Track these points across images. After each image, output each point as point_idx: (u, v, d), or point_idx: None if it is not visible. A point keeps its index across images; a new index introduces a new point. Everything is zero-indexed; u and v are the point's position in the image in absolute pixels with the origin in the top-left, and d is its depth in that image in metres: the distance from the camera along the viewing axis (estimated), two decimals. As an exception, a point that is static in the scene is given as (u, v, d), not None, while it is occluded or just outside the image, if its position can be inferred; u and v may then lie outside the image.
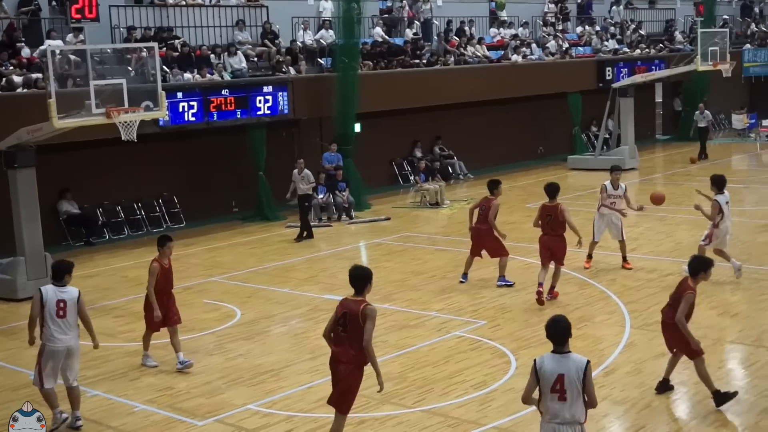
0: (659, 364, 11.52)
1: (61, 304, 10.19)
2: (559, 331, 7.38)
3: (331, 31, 26.69)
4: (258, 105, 22.95)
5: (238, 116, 22.64)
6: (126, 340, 13.61)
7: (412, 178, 27.26)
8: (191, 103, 21.64)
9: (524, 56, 31.77)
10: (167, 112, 18.94)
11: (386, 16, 30.09)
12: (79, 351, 10.46)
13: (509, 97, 30.42)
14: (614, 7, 39.03)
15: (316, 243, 20.58)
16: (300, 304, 15.51)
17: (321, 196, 23.14)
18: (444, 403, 10.60)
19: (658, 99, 39.29)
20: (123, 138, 15.98)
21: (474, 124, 30.42)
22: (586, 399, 7.36)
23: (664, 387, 10.71)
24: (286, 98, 23.45)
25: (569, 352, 7.39)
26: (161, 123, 20.42)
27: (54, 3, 22.79)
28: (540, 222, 14.80)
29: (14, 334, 14.12)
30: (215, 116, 22.16)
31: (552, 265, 14.67)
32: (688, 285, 10.09)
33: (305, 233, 20.93)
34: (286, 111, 23.55)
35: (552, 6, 36.70)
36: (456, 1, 33.17)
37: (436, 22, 31.15)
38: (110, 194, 22.37)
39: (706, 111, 32.09)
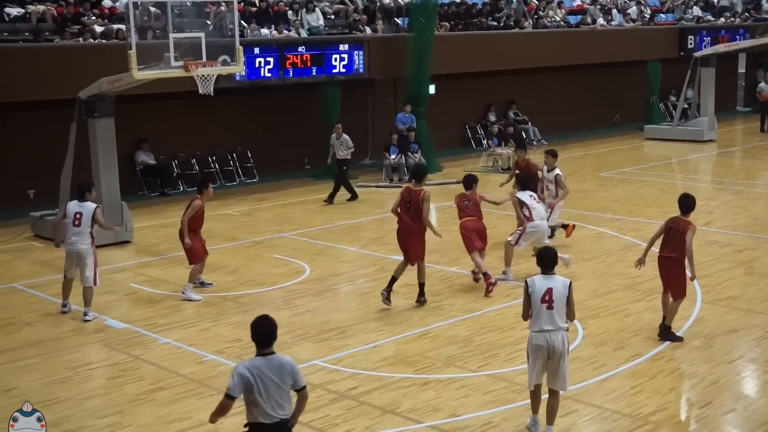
0: (730, 339, 11.39)
1: (78, 216, 12.66)
2: (549, 258, 8.76)
3: (409, -9, 26.53)
4: (333, 63, 22.99)
5: (314, 74, 22.71)
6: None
7: (484, 142, 27.08)
8: (267, 59, 21.78)
9: (606, 21, 31.19)
10: (244, 68, 19.10)
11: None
12: (90, 256, 12.65)
13: (587, 63, 29.96)
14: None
15: (385, 203, 20.58)
16: (367, 264, 15.61)
17: (393, 156, 23.15)
18: (508, 369, 10.58)
19: (741, 70, 38.26)
20: (200, 91, 16.16)
21: (550, 90, 30.04)
22: (568, 311, 8.66)
23: (666, 333, 11.34)
24: (361, 57, 23.44)
25: (554, 273, 8.72)
26: (237, 78, 20.59)
27: (136, -45, 23.01)
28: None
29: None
30: (291, 73, 22.28)
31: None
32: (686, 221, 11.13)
33: (335, 195, 20.71)
34: (361, 70, 23.55)
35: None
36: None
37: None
38: (185, 146, 22.70)
39: None
